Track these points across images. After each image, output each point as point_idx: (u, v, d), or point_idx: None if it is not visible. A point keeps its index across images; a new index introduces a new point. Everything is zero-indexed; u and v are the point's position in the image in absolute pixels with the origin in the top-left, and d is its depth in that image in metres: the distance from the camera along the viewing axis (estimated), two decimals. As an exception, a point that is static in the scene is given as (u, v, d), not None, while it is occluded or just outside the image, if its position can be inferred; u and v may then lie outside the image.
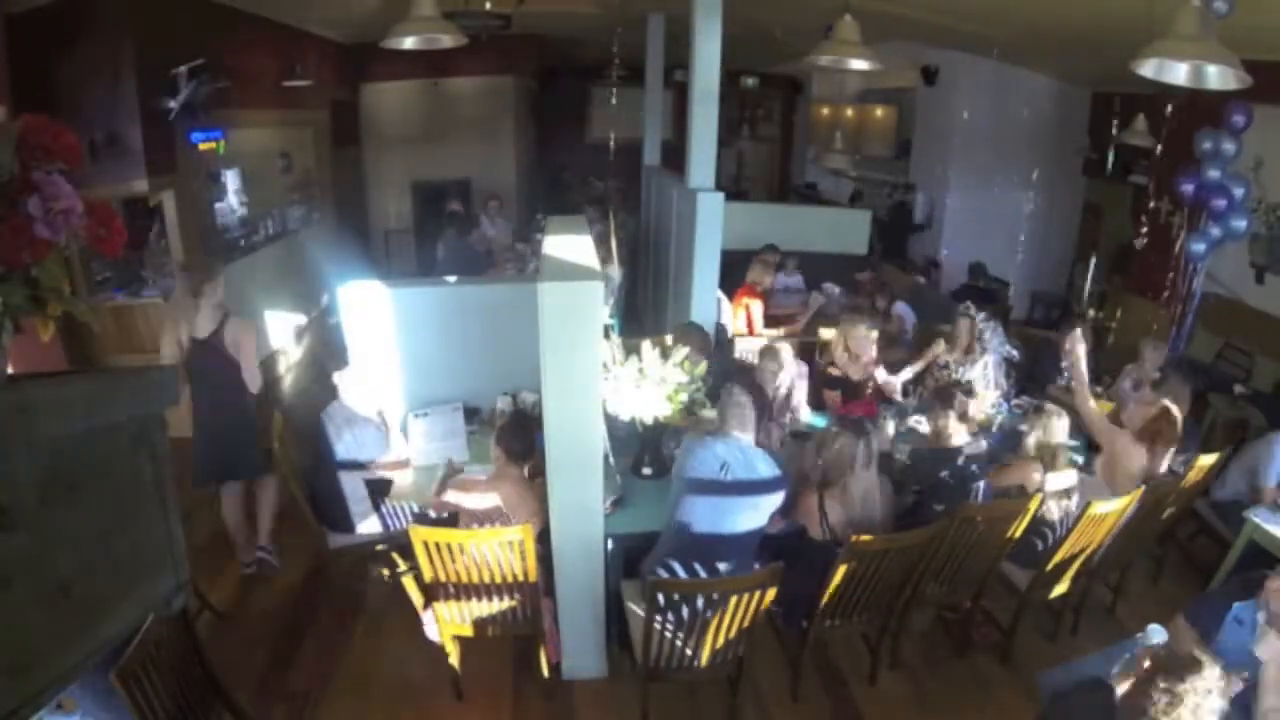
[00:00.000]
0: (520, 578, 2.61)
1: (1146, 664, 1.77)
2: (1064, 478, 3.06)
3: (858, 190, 10.10)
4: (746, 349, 4.78)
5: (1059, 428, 3.07)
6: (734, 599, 2.39)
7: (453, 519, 2.96)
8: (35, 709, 0.89)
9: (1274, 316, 4.96)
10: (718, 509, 2.52)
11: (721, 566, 2.56)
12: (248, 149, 6.06)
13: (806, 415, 3.86)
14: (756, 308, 5.29)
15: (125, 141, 4.34)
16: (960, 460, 3.02)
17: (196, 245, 5.11)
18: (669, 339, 3.35)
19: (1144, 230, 5.47)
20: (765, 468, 2.58)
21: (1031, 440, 3.10)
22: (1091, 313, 6.83)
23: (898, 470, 3.37)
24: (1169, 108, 4.89)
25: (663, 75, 7.41)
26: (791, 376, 3.83)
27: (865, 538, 2.52)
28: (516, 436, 2.81)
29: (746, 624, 2.49)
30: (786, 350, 3.79)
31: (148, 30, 4.36)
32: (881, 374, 4.13)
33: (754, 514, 2.55)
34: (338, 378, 3.31)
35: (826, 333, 4.90)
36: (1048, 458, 3.05)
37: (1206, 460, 3.24)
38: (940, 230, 7.72)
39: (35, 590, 0.85)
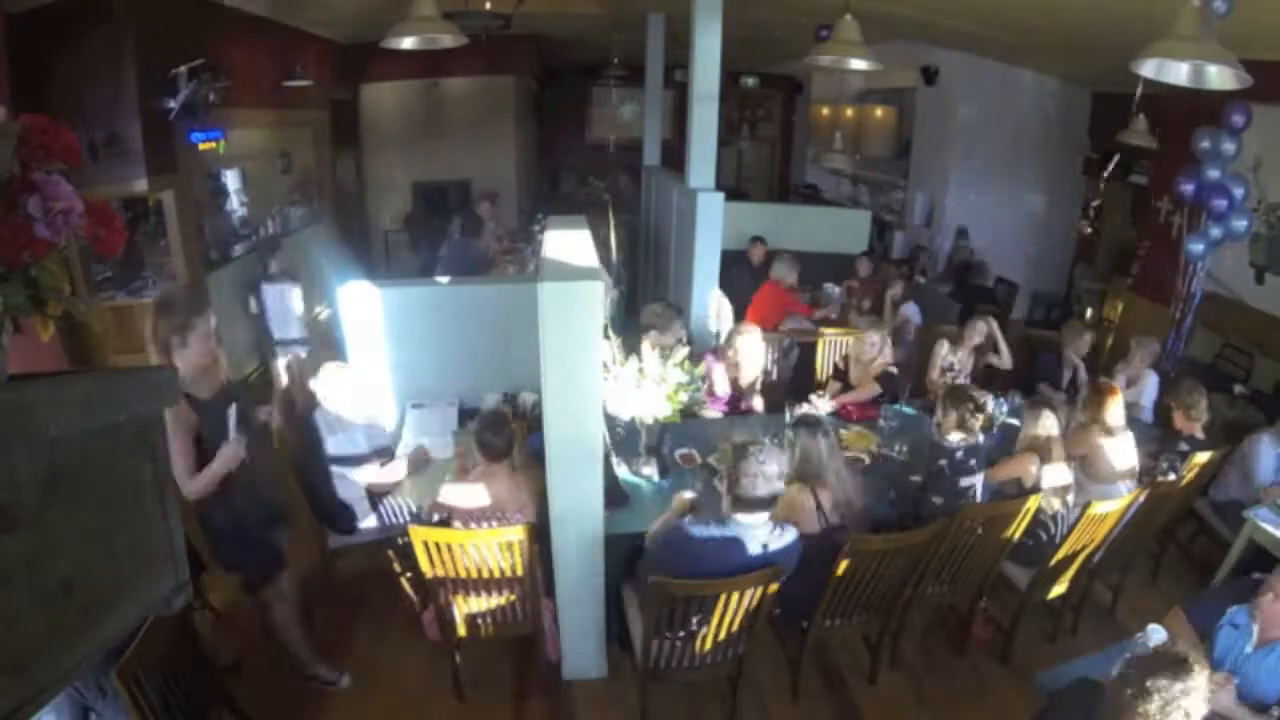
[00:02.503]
0: (519, 573, 2.60)
1: (1124, 675, 1.75)
2: (1060, 473, 3.08)
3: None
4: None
5: (1050, 422, 3.10)
6: (734, 598, 2.39)
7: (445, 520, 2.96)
8: (36, 708, 0.89)
9: (1274, 316, 4.96)
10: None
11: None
12: (248, 149, 6.07)
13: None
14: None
15: (125, 141, 4.34)
16: (959, 454, 3.03)
17: (196, 245, 5.12)
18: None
19: (1141, 232, 5.46)
20: None
21: (1026, 434, 3.14)
22: (1090, 312, 6.85)
23: (897, 466, 3.39)
24: (1159, 111, 4.90)
25: (663, 75, 7.41)
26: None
27: (855, 536, 2.53)
28: (495, 435, 2.75)
29: (747, 623, 2.49)
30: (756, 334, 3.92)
31: (148, 30, 4.35)
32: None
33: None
34: (314, 385, 3.24)
35: (830, 332, 4.90)
36: (1042, 451, 3.08)
37: (1201, 458, 3.24)
38: (940, 230, 7.72)
39: (35, 590, 0.85)
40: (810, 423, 2.84)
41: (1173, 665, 1.61)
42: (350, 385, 3.26)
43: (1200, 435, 3.50)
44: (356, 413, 3.31)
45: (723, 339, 4.50)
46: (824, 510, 2.73)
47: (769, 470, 2.20)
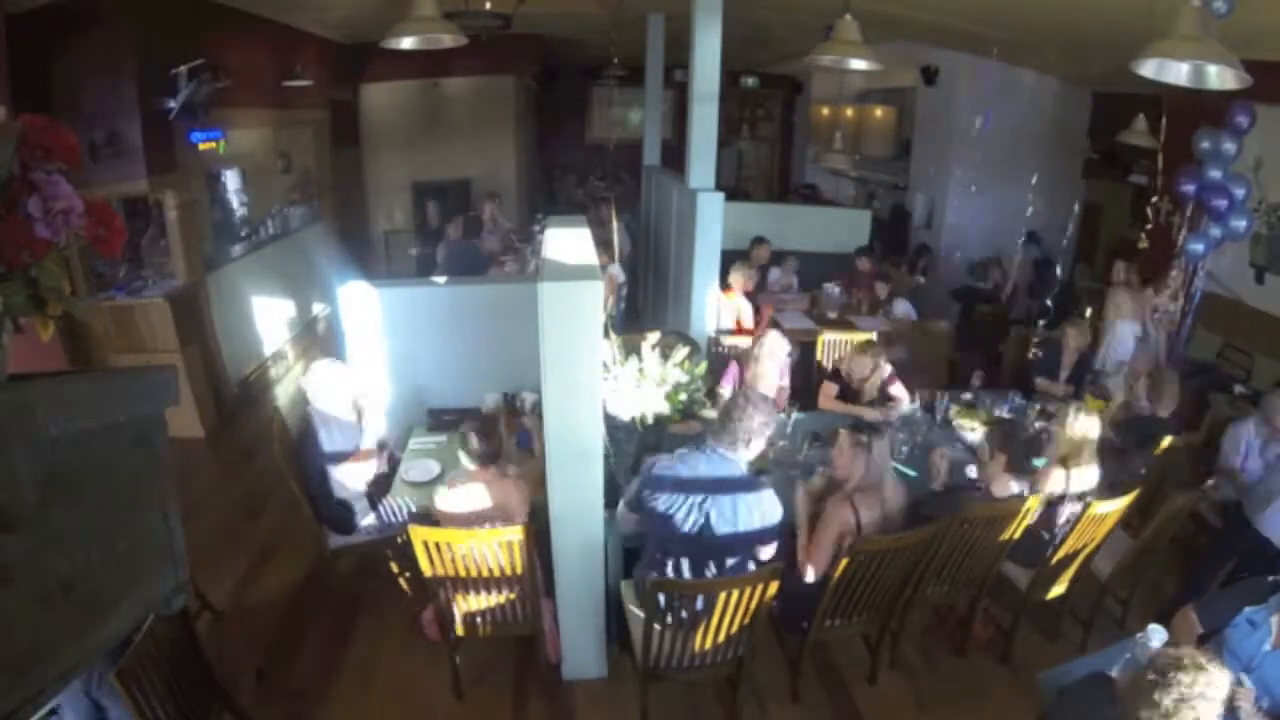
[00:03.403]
0: (518, 571, 2.60)
1: (1149, 663, 1.77)
2: (1087, 476, 2.99)
3: (870, 193, 9.97)
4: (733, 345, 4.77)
5: (1088, 423, 2.99)
6: (734, 598, 2.39)
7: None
8: (35, 709, 0.89)
9: (1274, 316, 4.96)
10: (694, 514, 2.45)
11: (722, 561, 2.54)
12: (248, 149, 6.07)
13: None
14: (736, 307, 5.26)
15: (125, 141, 4.34)
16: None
17: (196, 245, 5.12)
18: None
19: (1146, 228, 5.44)
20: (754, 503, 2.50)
21: (1062, 437, 3.02)
22: (1089, 311, 6.84)
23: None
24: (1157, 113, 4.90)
25: (663, 75, 7.41)
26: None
27: (865, 538, 2.53)
28: (481, 441, 2.71)
29: (746, 622, 2.49)
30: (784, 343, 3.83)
31: (148, 30, 4.35)
32: (898, 389, 4.03)
33: (744, 518, 2.48)
34: (303, 381, 3.28)
35: (830, 335, 4.90)
36: (1074, 455, 2.98)
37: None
38: (940, 230, 7.72)
39: (35, 590, 0.85)
40: (874, 427, 2.76)
41: (1197, 667, 1.63)
42: (342, 382, 3.27)
43: (1163, 414, 3.67)
44: (349, 409, 3.32)
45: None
46: (861, 523, 2.66)
47: (749, 420, 2.44)
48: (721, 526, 2.46)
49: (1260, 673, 2.17)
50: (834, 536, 2.66)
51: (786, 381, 4.03)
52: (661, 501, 2.46)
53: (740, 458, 2.50)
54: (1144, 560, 3.20)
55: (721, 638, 2.52)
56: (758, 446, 2.52)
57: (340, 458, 3.24)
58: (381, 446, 3.42)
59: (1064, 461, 3.00)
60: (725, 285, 5.13)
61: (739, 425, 2.45)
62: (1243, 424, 3.62)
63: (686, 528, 2.46)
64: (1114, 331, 4.17)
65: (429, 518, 2.75)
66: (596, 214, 6.33)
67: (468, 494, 2.70)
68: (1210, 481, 3.64)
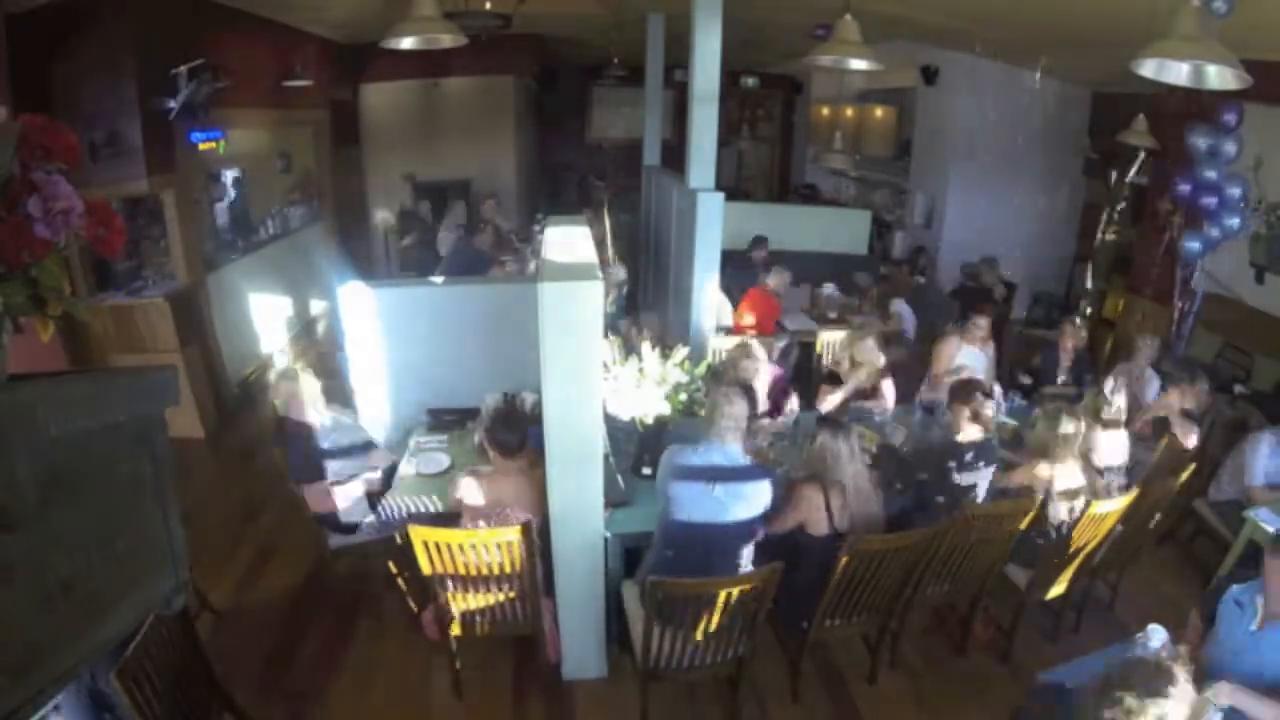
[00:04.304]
0: (517, 569, 2.60)
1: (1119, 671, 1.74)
2: (1071, 475, 3.04)
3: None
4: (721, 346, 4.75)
5: (1065, 423, 3.06)
6: (734, 597, 2.39)
7: (453, 517, 2.96)
8: (35, 709, 0.89)
9: (1274, 316, 4.96)
10: (708, 499, 2.53)
11: (727, 550, 2.56)
12: (248, 149, 6.07)
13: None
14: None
15: (125, 141, 4.34)
16: (969, 455, 3.04)
17: (196, 245, 5.12)
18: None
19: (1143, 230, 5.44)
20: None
21: (1037, 433, 3.11)
22: (1089, 310, 6.84)
23: (897, 462, 3.36)
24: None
25: (663, 75, 7.41)
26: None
27: (865, 537, 2.53)
28: (508, 431, 2.77)
29: (747, 622, 2.49)
30: (760, 348, 3.78)
31: (148, 30, 4.35)
32: (886, 384, 4.04)
33: (745, 504, 2.56)
34: (273, 394, 3.30)
35: (827, 335, 4.90)
36: (1053, 451, 3.04)
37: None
38: (941, 230, 7.72)
39: (35, 590, 0.85)
40: (834, 423, 2.83)
41: (1162, 676, 1.62)
42: (308, 386, 3.28)
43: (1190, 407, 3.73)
44: (321, 414, 3.32)
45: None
46: (832, 513, 2.72)
47: (734, 408, 2.57)
48: (730, 513, 2.53)
49: (1250, 653, 2.15)
50: (802, 512, 2.75)
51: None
52: (676, 488, 2.53)
53: (736, 448, 2.58)
54: (1130, 544, 3.24)
55: (722, 637, 2.52)
56: (738, 436, 2.62)
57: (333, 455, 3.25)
58: (368, 446, 3.42)
59: (1044, 459, 3.05)
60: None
61: (737, 420, 2.57)
62: (1263, 444, 3.52)
63: (698, 516, 2.52)
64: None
65: (442, 515, 2.76)
66: (596, 214, 6.33)
67: (492, 484, 2.73)
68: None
